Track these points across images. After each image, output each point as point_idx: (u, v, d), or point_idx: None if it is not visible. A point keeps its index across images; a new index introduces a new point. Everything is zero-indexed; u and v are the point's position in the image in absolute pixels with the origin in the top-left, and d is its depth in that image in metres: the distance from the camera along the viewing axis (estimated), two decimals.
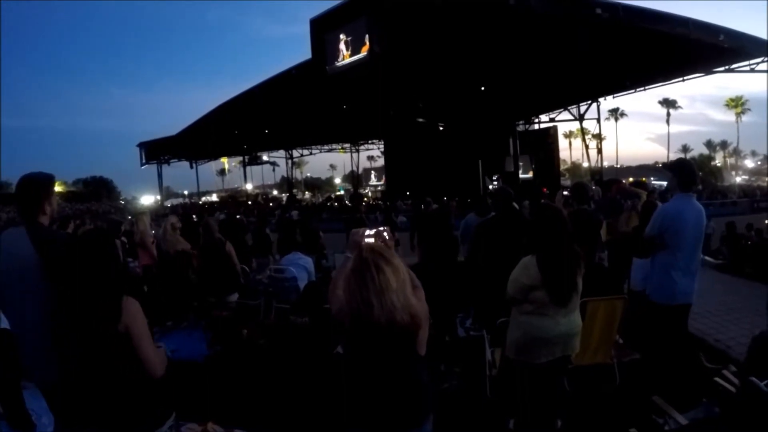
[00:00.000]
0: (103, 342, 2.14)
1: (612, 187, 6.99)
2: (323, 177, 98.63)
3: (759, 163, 67.96)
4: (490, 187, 24.04)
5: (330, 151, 47.98)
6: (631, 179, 21.59)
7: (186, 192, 68.61)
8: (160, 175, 39.11)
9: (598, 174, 28.92)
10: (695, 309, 4.24)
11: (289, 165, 46.17)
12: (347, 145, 46.65)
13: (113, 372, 2.16)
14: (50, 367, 2.70)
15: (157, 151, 36.35)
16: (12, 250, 2.67)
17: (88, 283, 2.21)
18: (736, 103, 66.23)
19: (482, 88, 21.32)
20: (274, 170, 50.66)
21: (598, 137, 32.72)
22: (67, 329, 2.16)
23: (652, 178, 33.09)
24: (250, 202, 43.08)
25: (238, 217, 10.36)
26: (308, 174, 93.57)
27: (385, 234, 2.37)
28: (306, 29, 19.02)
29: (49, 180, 2.82)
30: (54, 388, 2.82)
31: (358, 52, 17.39)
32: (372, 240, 2.34)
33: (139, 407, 2.20)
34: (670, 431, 3.61)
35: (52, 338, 2.61)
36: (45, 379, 2.81)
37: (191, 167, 41.25)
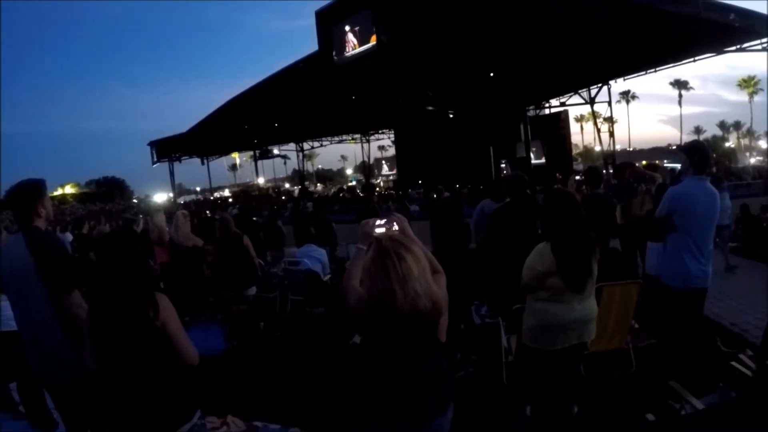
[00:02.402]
0: (142, 338, 2.15)
1: (625, 170, 6.92)
2: (335, 168, 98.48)
3: None
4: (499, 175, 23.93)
5: (341, 142, 47.82)
6: (644, 162, 21.39)
7: (198, 188, 69.12)
8: (171, 173, 39.29)
9: (610, 158, 28.66)
10: (711, 293, 4.20)
11: (300, 158, 46.23)
12: (357, 136, 46.49)
13: (151, 368, 2.17)
14: (55, 367, 2.76)
15: (168, 149, 36.47)
16: (12, 256, 2.74)
17: (121, 281, 2.24)
18: (749, 83, 65.31)
19: (491, 74, 21.15)
20: (285, 163, 50.63)
21: (610, 120, 32.30)
22: (101, 328, 2.18)
23: (665, 161, 32.64)
24: (262, 197, 43.17)
25: (254, 219, 10.45)
26: (319, 166, 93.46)
27: (395, 224, 2.34)
28: (310, 22, 18.88)
29: (38, 185, 2.85)
30: (59, 387, 2.88)
31: (367, 42, 17.30)
32: (383, 230, 2.33)
33: (172, 402, 2.22)
34: (686, 416, 3.61)
35: (68, 338, 2.67)
36: (51, 379, 2.88)
37: (202, 163, 41.35)
